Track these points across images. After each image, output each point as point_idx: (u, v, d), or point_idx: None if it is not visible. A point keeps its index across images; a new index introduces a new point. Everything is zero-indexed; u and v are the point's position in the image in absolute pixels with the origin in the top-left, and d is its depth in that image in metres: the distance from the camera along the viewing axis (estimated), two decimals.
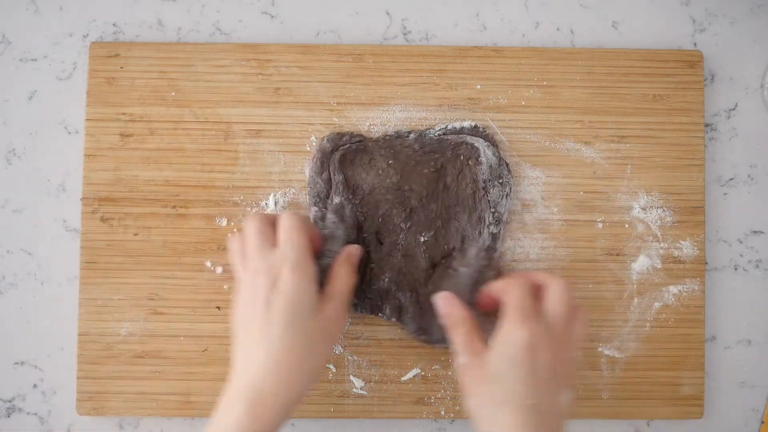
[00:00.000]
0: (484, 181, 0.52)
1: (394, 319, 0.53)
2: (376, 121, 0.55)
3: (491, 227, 0.52)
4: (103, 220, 0.54)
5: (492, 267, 0.51)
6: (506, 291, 0.46)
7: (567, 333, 0.45)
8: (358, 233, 0.52)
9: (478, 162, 0.52)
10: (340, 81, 0.55)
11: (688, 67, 0.56)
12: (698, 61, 0.56)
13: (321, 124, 0.54)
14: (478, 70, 0.55)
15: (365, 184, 0.52)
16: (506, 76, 0.55)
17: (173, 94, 0.55)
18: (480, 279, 0.50)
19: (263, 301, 0.43)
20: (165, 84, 0.55)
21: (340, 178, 0.52)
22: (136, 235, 0.54)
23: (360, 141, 0.53)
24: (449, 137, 0.53)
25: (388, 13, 0.57)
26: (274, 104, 0.55)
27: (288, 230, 0.45)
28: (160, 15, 0.57)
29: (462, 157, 0.52)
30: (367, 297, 0.52)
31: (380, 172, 0.53)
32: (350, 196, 0.52)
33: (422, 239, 0.52)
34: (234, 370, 0.44)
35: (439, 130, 0.54)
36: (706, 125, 0.57)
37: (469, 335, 0.46)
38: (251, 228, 0.46)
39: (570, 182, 0.55)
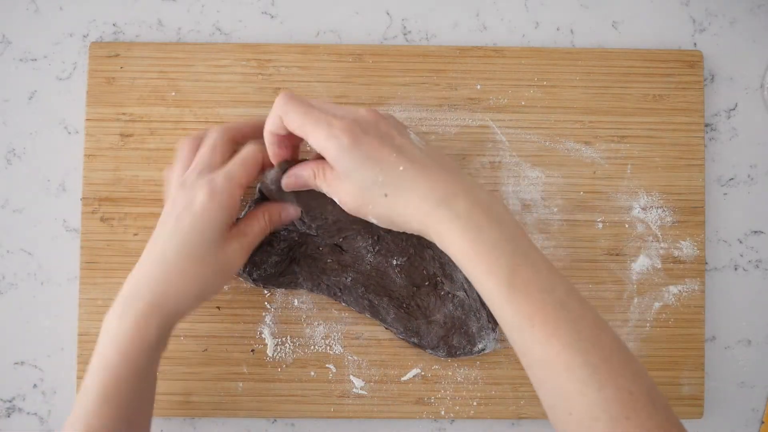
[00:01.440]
0: None
1: (367, 315, 0.53)
2: None
3: None
4: (103, 220, 0.54)
5: None
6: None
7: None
8: (301, 235, 0.52)
9: None
10: (340, 81, 0.55)
11: (688, 67, 0.56)
12: (698, 61, 0.56)
13: None
14: (478, 70, 0.55)
15: (329, 215, 0.50)
16: (506, 76, 0.55)
17: (173, 94, 0.55)
18: (482, 303, 0.51)
19: (174, 216, 0.45)
20: (165, 84, 0.55)
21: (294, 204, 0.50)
22: (136, 235, 0.54)
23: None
24: None
25: (388, 13, 0.57)
26: None
27: (239, 161, 0.46)
28: (160, 15, 0.57)
29: None
30: (324, 283, 0.53)
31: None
32: (306, 220, 0.50)
33: (395, 262, 0.52)
34: (129, 278, 0.46)
35: None
36: (706, 125, 0.57)
37: (314, 166, 0.45)
38: (207, 141, 0.48)
39: (570, 182, 0.55)
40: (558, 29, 0.58)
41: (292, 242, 0.52)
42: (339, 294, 0.53)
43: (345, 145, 0.42)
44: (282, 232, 0.52)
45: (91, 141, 0.54)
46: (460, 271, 0.51)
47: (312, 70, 0.55)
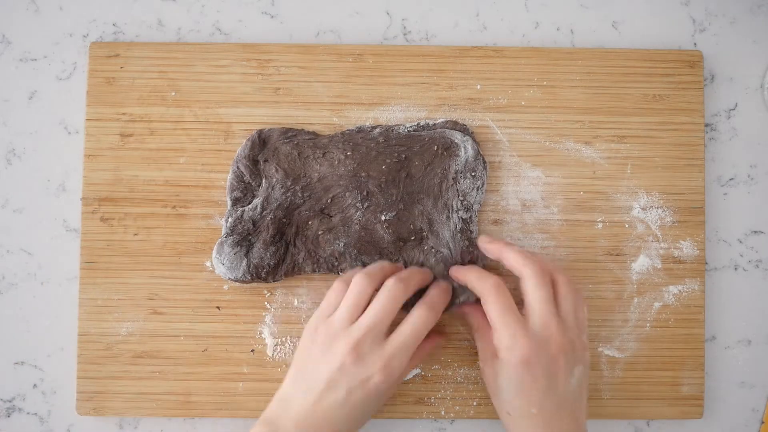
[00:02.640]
0: (456, 172, 0.52)
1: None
2: (376, 121, 0.55)
3: (460, 212, 0.52)
4: (103, 220, 0.54)
5: (473, 246, 0.52)
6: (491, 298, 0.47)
7: (577, 321, 0.47)
8: (287, 214, 0.52)
9: (454, 155, 0.52)
10: (340, 81, 0.55)
11: (688, 67, 0.56)
12: (698, 61, 0.56)
13: (321, 124, 0.54)
14: (478, 70, 0.55)
15: (314, 173, 0.52)
16: (506, 76, 0.55)
17: (173, 94, 0.55)
18: (462, 261, 0.52)
19: (345, 387, 0.45)
20: (165, 84, 0.55)
21: (273, 168, 0.52)
22: (136, 235, 0.54)
23: (312, 138, 0.53)
24: (422, 133, 0.53)
25: (388, 13, 0.57)
26: (274, 104, 0.55)
27: (412, 332, 0.47)
28: (160, 15, 0.57)
29: (436, 148, 0.52)
30: (321, 257, 0.53)
31: (335, 162, 0.52)
32: (288, 182, 0.52)
33: (383, 218, 0.52)
34: (279, 396, 0.47)
35: (411, 126, 0.54)
36: (706, 125, 0.57)
37: (485, 335, 0.49)
38: (379, 296, 0.48)
39: (570, 182, 0.55)
40: (558, 29, 0.58)
41: (279, 224, 0.52)
42: (336, 264, 0.52)
43: (513, 362, 0.45)
44: (266, 213, 0.52)
45: (91, 141, 0.54)
46: (447, 229, 0.52)
47: (312, 70, 0.55)
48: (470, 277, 0.49)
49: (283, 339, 0.54)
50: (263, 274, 0.52)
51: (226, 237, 0.52)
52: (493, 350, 0.47)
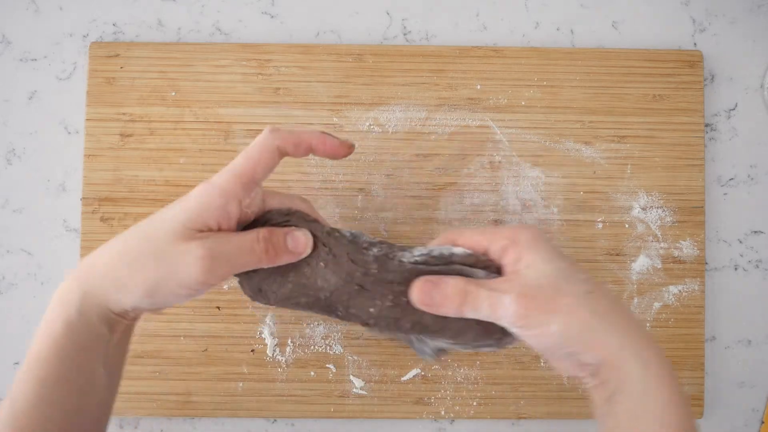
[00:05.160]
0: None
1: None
2: (376, 121, 0.55)
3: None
4: (103, 220, 0.54)
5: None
6: (486, 235, 0.39)
7: None
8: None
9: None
10: (340, 81, 0.55)
11: (688, 67, 0.56)
12: (698, 61, 0.56)
13: (321, 124, 0.54)
14: (478, 70, 0.55)
15: (322, 292, 0.40)
16: (506, 76, 0.55)
17: (173, 94, 0.55)
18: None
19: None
20: (165, 84, 0.55)
21: None
22: None
23: (287, 220, 0.41)
24: (432, 268, 0.38)
25: (388, 13, 0.57)
26: (274, 104, 0.55)
27: (249, 148, 0.39)
28: (160, 15, 0.57)
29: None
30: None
31: (304, 271, 0.40)
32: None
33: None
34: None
35: (419, 254, 0.39)
36: (706, 125, 0.57)
37: (486, 289, 0.37)
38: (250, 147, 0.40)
39: (570, 182, 0.55)
40: (558, 29, 0.58)
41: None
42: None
43: (530, 239, 0.38)
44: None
45: (91, 141, 0.54)
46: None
47: (312, 70, 0.55)
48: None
49: (283, 339, 0.54)
50: (272, 300, 0.41)
51: None
52: (498, 286, 0.37)
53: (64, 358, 0.36)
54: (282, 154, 0.40)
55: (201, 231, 0.38)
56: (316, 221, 0.41)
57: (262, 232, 0.39)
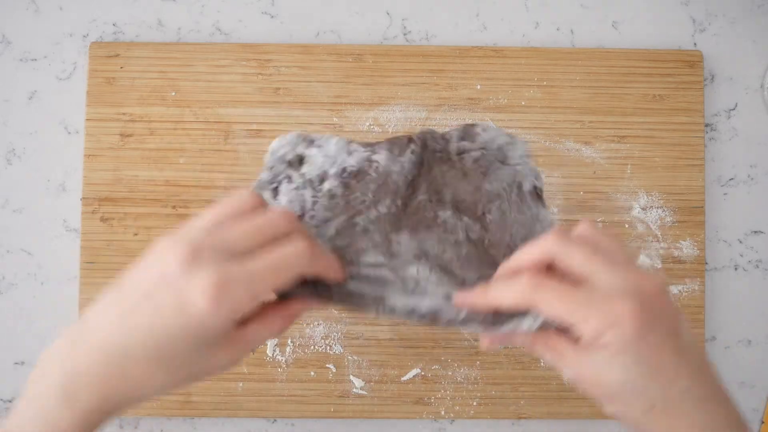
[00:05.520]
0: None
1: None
2: (376, 121, 0.55)
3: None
4: (103, 220, 0.54)
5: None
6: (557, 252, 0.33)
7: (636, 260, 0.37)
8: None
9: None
10: (340, 81, 0.55)
11: (688, 67, 0.56)
12: (698, 61, 0.56)
13: (321, 124, 0.54)
14: (478, 70, 0.55)
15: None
16: (506, 76, 0.55)
17: (173, 94, 0.55)
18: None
19: (157, 305, 0.32)
20: (165, 84, 0.55)
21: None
22: (136, 235, 0.54)
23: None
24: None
25: (388, 13, 0.57)
26: (274, 104, 0.55)
27: (270, 260, 0.33)
28: (160, 15, 0.57)
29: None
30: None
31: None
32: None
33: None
34: (77, 329, 0.34)
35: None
36: (706, 125, 0.57)
37: (556, 347, 0.35)
38: (234, 200, 0.35)
39: (570, 182, 0.55)
40: (558, 29, 0.58)
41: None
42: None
43: (627, 338, 0.31)
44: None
45: (91, 141, 0.54)
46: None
47: (312, 70, 0.55)
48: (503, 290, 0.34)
49: (283, 339, 0.54)
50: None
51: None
52: (568, 344, 0.34)
53: None
54: None
55: None
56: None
57: (281, 316, 0.35)
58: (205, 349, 0.33)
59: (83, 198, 0.54)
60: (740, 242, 0.57)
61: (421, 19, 0.57)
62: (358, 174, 0.39)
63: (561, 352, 0.34)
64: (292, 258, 0.33)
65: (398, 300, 0.37)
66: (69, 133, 0.56)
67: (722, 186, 0.57)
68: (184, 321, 0.31)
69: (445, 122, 0.55)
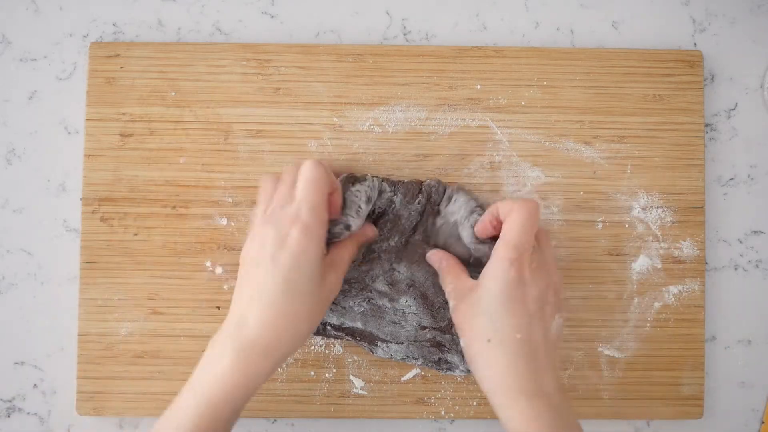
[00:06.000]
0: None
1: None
2: (376, 121, 0.55)
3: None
4: (103, 220, 0.54)
5: (482, 207, 0.52)
6: (508, 219, 0.46)
7: (545, 259, 0.47)
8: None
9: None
10: (340, 81, 0.55)
11: (688, 67, 0.56)
12: (698, 61, 0.56)
13: (321, 124, 0.54)
14: (478, 70, 0.55)
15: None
16: (506, 76, 0.55)
17: (173, 94, 0.55)
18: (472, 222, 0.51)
19: (269, 256, 0.43)
20: (165, 84, 0.55)
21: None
22: (136, 235, 0.54)
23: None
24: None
25: (388, 13, 0.57)
26: (274, 104, 0.55)
27: (307, 184, 0.45)
28: (160, 15, 0.57)
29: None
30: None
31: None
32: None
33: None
34: (230, 318, 0.45)
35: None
36: (706, 125, 0.57)
37: (457, 275, 0.48)
38: (285, 176, 0.47)
39: (570, 182, 0.55)
40: (558, 29, 0.58)
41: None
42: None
43: (508, 277, 0.44)
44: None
45: (91, 141, 0.54)
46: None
47: (312, 70, 0.55)
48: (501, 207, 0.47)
49: None
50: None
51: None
52: (471, 285, 0.46)
53: (232, 408, 0.43)
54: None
55: (323, 260, 0.45)
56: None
57: (351, 240, 0.50)
58: (317, 271, 0.44)
59: (83, 198, 0.54)
60: (740, 242, 0.57)
61: (421, 19, 0.57)
62: (384, 214, 0.52)
63: (458, 282, 0.48)
64: (314, 174, 0.45)
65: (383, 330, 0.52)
66: (69, 133, 0.56)
67: (722, 186, 0.57)
68: (292, 255, 0.43)
69: (445, 122, 0.55)
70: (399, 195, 0.52)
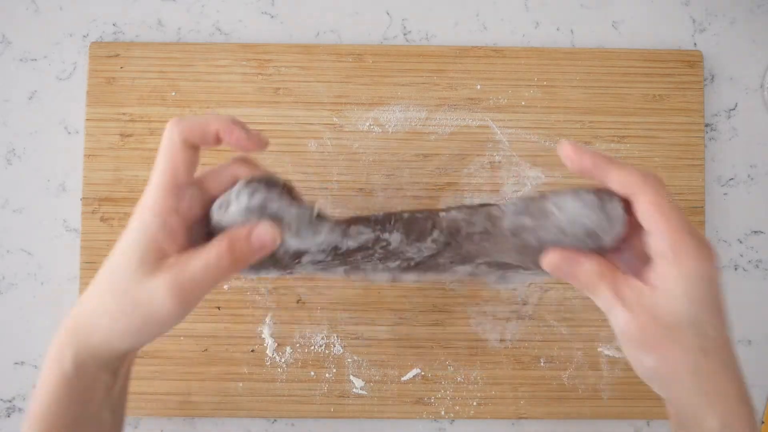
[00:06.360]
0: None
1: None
2: (376, 121, 0.55)
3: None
4: (103, 220, 0.54)
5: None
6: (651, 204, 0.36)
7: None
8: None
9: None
10: (340, 81, 0.55)
11: (688, 67, 0.56)
12: (698, 61, 0.56)
13: (321, 124, 0.54)
14: (478, 70, 0.55)
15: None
16: (506, 76, 0.55)
17: (173, 94, 0.55)
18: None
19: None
20: (165, 84, 0.55)
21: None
22: None
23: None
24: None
25: (388, 13, 0.57)
26: (274, 104, 0.55)
27: (160, 149, 0.38)
28: (160, 15, 0.57)
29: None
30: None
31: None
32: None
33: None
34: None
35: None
36: (706, 125, 0.57)
37: (615, 285, 0.35)
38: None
39: (570, 182, 0.55)
40: (558, 29, 0.58)
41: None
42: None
43: (702, 269, 0.34)
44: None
45: (91, 141, 0.54)
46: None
47: (312, 70, 0.55)
48: (615, 173, 0.36)
49: (283, 339, 0.54)
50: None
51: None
52: (648, 291, 0.35)
53: (66, 414, 0.36)
54: (192, 147, 0.38)
55: (160, 259, 0.35)
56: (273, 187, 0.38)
57: (223, 245, 0.36)
58: (136, 264, 0.35)
59: (83, 198, 0.54)
60: (740, 242, 0.57)
61: (421, 19, 0.57)
62: (358, 250, 0.39)
63: (620, 289, 0.35)
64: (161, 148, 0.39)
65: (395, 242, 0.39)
66: (69, 133, 0.56)
67: (722, 186, 0.57)
68: (125, 235, 0.36)
69: (445, 122, 0.55)
70: (397, 233, 0.39)
